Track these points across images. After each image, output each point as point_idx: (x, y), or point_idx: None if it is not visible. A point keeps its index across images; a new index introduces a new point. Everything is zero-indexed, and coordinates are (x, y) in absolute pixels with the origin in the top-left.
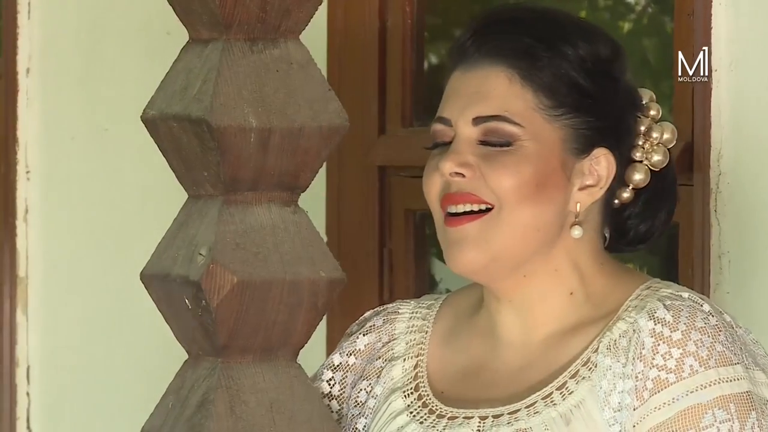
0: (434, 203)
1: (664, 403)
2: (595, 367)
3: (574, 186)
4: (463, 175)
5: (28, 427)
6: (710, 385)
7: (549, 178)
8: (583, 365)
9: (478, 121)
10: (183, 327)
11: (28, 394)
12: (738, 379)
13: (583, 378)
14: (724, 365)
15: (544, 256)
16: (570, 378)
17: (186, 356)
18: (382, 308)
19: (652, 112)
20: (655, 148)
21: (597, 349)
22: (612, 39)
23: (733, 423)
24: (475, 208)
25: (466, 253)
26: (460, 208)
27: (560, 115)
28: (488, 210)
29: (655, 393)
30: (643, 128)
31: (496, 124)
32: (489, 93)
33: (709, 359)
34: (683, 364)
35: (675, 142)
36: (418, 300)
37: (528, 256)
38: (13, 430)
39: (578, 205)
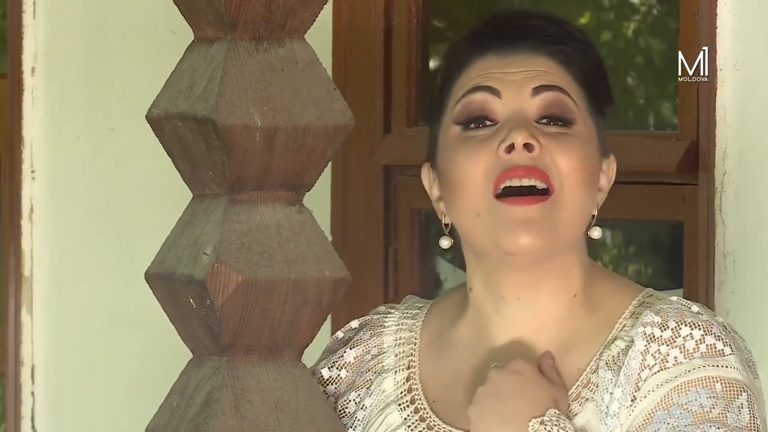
0: (479, 180)
1: (649, 391)
2: (596, 387)
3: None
4: (532, 149)
5: (33, 426)
6: (694, 369)
7: (595, 168)
8: (584, 387)
9: (540, 90)
10: (188, 326)
11: (32, 393)
12: (727, 367)
13: (586, 399)
14: (712, 356)
15: (567, 253)
16: (573, 401)
17: (191, 355)
18: (367, 319)
19: None
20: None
21: (596, 369)
22: None
23: (718, 400)
24: (540, 185)
25: (533, 236)
26: (525, 182)
27: (593, 113)
28: (548, 192)
29: (642, 387)
30: None
31: (560, 96)
32: (545, 71)
33: (695, 351)
34: (668, 356)
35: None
36: (403, 306)
37: (569, 243)
38: (18, 429)
39: (598, 204)
